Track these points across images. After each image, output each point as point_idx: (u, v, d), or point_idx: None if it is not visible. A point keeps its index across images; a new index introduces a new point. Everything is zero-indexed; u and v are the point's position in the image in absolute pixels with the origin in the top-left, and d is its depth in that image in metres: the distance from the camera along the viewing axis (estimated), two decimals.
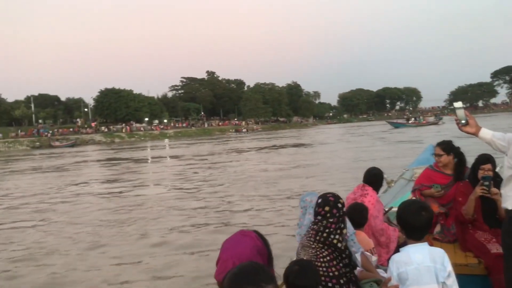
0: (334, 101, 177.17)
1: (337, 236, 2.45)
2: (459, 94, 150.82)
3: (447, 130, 43.77)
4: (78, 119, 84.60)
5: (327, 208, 2.51)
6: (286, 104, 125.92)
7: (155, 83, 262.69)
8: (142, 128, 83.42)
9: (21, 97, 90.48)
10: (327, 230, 2.46)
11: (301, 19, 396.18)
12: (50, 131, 69.46)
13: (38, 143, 64.28)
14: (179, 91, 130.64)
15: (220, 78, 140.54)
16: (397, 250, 2.95)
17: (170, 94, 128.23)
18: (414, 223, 2.38)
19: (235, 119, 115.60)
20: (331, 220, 2.48)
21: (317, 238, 2.47)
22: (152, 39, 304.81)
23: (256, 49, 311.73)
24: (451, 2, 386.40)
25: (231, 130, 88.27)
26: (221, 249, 2.07)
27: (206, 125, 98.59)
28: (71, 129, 75.24)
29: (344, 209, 2.59)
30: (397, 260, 2.40)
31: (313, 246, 2.48)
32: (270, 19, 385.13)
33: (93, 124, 79.22)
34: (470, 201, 3.56)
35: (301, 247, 2.57)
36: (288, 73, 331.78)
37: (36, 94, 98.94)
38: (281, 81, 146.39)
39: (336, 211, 2.51)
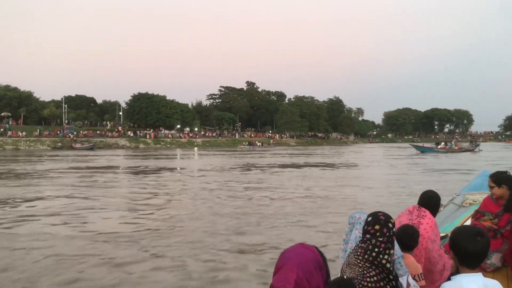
0: (379, 120, 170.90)
1: (386, 256, 2.39)
2: None
3: (484, 158, 37.98)
4: (108, 122, 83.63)
5: (377, 227, 2.44)
6: (325, 119, 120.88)
7: (198, 93, 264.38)
8: (170, 135, 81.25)
9: (59, 97, 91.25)
10: (376, 249, 2.39)
11: (349, 36, 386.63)
12: (75, 132, 68.47)
13: (60, 144, 63.34)
14: (216, 100, 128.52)
15: (260, 90, 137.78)
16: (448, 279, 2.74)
17: (207, 103, 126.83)
18: (469, 250, 2.26)
19: (269, 132, 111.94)
20: (380, 239, 2.41)
21: (365, 257, 2.40)
22: (195, 49, 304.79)
23: (300, 63, 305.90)
24: (506, 21, 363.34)
25: (244, 143, 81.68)
26: (282, 257, 1.97)
27: (237, 136, 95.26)
28: (98, 132, 74.11)
29: (394, 229, 2.50)
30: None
31: (360, 264, 2.41)
32: (318, 34, 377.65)
33: (120, 128, 77.84)
34: None
35: (347, 265, 2.50)
36: (331, 89, 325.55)
37: (74, 95, 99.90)
38: (323, 96, 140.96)
39: (387, 230, 2.44)
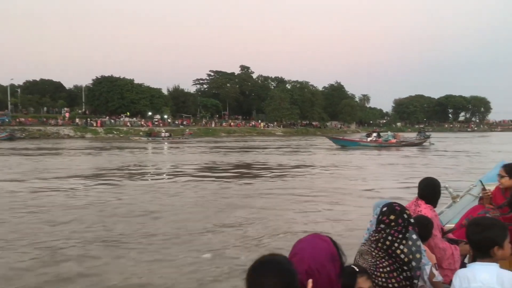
0: (390, 108, 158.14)
1: (401, 247, 2.37)
2: None
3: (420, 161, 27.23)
4: (64, 109, 74.60)
5: (392, 217, 2.44)
6: (321, 107, 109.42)
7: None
8: (129, 123, 71.87)
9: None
10: (389, 238, 2.38)
11: (358, 19, 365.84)
12: (7, 119, 59.74)
13: None
14: (204, 86, 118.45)
15: (257, 75, 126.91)
16: (463, 266, 2.77)
17: (194, 89, 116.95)
18: (475, 239, 2.28)
19: (258, 120, 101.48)
20: (395, 228, 2.40)
21: (379, 245, 2.40)
22: (192, 31, 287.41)
23: (304, 48, 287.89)
24: None
25: (141, 133, 63.47)
26: (296, 247, 1.94)
27: (213, 124, 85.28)
28: (39, 119, 65.20)
29: (411, 220, 2.48)
30: (462, 275, 2.26)
31: (374, 254, 2.41)
32: (324, 17, 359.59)
33: (67, 115, 68.82)
34: None
35: (360, 255, 2.49)
36: (337, 75, 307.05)
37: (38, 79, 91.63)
38: (328, 82, 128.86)
39: (402, 221, 2.43)
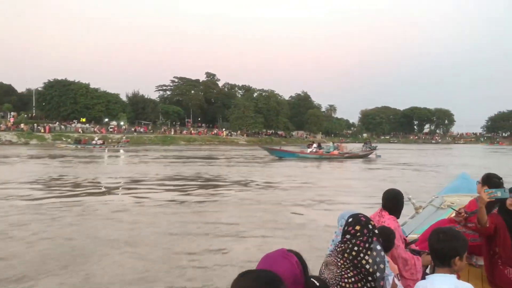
0: (357, 118, 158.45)
1: (366, 257, 2.39)
2: (498, 120, 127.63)
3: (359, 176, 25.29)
4: (10, 113, 69.70)
5: (357, 227, 2.47)
6: (286, 116, 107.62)
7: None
8: (80, 130, 67.70)
9: None
10: (355, 248, 2.40)
11: (324, 30, 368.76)
12: None
13: None
14: (167, 92, 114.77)
15: (223, 82, 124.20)
16: (424, 277, 2.78)
17: (156, 95, 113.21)
18: (436, 250, 2.33)
19: (222, 129, 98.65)
20: (360, 238, 2.44)
21: (345, 256, 2.41)
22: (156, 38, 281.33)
23: (273, 57, 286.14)
24: (496, 20, 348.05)
25: (69, 140, 58.13)
26: (260, 263, 1.88)
27: (173, 132, 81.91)
28: None
29: (376, 231, 2.52)
30: (421, 286, 2.31)
31: (339, 264, 2.41)
32: (294, 27, 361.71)
33: (11, 120, 64.22)
34: (480, 209, 3.40)
35: (325, 266, 2.49)
36: (305, 86, 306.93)
37: None
38: (294, 92, 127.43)
39: (367, 231, 2.46)
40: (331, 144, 42.35)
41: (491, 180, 3.86)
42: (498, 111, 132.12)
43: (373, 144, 44.36)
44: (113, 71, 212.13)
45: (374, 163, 32.73)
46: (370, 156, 39.89)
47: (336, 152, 37.28)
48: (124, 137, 61.94)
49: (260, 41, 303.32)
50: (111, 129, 73.05)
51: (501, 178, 3.90)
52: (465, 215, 3.93)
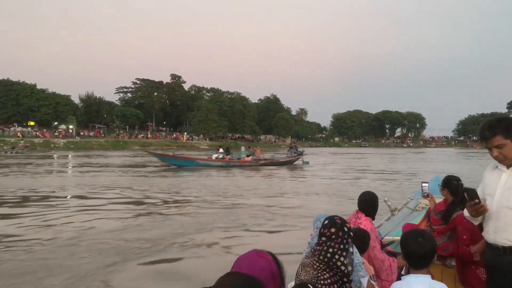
0: (329, 122, 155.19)
1: (341, 259, 2.40)
2: (468, 124, 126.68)
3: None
4: None
5: (333, 230, 2.48)
6: (253, 119, 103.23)
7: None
8: (19, 134, 61.74)
9: None
10: (330, 250, 2.41)
11: (292, 25, 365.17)
12: None
13: None
14: (128, 95, 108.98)
15: (189, 85, 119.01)
16: (399, 278, 2.85)
17: (117, 97, 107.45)
18: (411, 251, 2.36)
19: (184, 133, 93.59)
20: (336, 240, 2.44)
21: (321, 258, 2.41)
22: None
23: (243, 61, 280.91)
24: (468, 23, 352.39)
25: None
26: (235, 265, 1.91)
27: (126, 136, 76.50)
28: None
29: (351, 233, 2.53)
30: (397, 287, 2.38)
31: (315, 266, 2.41)
32: (270, 32, 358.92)
33: None
34: (482, 244, 3.27)
35: (302, 267, 2.50)
36: (276, 89, 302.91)
37: None
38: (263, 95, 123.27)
39: (342, 233, 2.47)
40: (242, 148, 36.80)
41: (450, 183, 4.17)
42: (469, 114, 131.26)
43: (300, 149, 37.79)
44: (70, 72, 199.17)
45: (296, 171, 27.76)
46: (296, 162, 34.03)
47: (248, 158, 31.61)
48: (22, 142, 54.10)
49: (232, 44, 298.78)
50: (56, 133, 67.25)
51: (459, 180, 4.15)
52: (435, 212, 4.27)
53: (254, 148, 35.99)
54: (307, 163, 33.15)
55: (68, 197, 14.37)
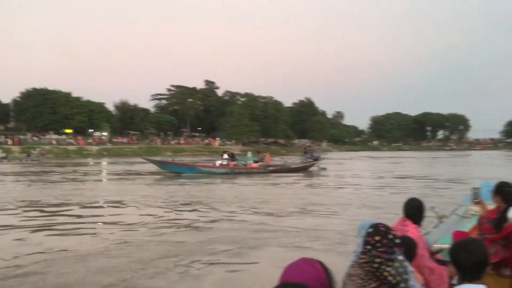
0: (366, 125, 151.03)
1: (388, 268, 2.34)
2: None
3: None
4: None
5: (377, 238, 2.41)
6: (286, 123, 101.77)
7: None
8: (54, 141, 63.34)
9: None
10: (377, 260, 2.35)
11: (333, 37, 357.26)
12: None
13: None
14: (163, 101, 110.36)
15: (224, 90, 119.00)
16: (451, 287, 2.82)
17: (152, 104, 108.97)
18: (461, 262, 2.24)
19: (217, 138, 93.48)
20: (380, 249, 2.38)
21: (367, 268, 2.37)
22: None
23: (278, 65, 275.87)
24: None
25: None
26: (285, 273, 1.84)
27: (158, 143, 77.10)
28: None
29: (397, 241, 2.44)
30: None
31: (361, 276, 2.38)
32: (302, 36, 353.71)
33: None
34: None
35: (348, 277, 2.47)
36: (311, 93, 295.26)
37: None
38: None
39: (387, 241, 2.39)
40: (249, 154, 34.50)
41: (502, 189, 4.06)
42: None
43: (316, 154, 34.46)
44: (106, 80, 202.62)
45: (311, 179, 25.16)
46: (311, 169, 31.13)
47: (255, 165, 29.55)
48: (38, 149, 54.02)
49: (265, 49, 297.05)
50: (90, 140, 68.60)
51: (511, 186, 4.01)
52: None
53: (263, 155, 33.52)
54: (324, 169, 30.74)
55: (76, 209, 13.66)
